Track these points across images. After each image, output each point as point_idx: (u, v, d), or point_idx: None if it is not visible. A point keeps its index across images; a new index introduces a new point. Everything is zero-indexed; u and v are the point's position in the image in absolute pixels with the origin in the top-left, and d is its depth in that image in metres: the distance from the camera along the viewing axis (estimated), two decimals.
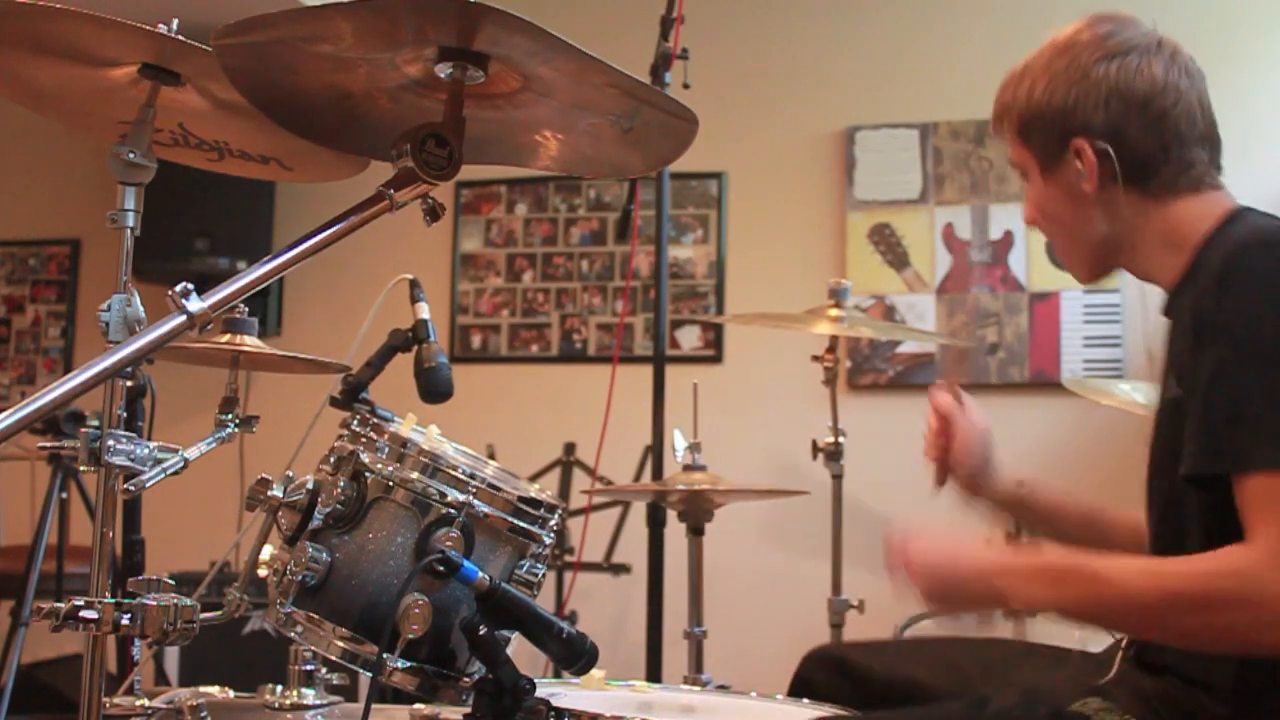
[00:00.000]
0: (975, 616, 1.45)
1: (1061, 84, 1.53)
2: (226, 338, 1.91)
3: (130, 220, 1.62)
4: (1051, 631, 2.15)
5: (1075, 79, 1.52)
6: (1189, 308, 1.39)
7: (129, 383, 1.72)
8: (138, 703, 1.86)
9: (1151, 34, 1.54)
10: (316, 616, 1.56)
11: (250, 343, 1.91)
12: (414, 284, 1.94)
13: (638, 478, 3.81)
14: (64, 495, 3.39)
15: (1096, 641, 1.62)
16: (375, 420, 1.65)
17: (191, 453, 1.69)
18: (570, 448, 4.19)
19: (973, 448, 1.80)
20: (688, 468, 2.50)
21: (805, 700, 1.74)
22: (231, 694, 2.00)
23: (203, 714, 1.79)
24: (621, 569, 4.06)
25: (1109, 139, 1.50)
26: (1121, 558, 1.37)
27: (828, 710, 1.63)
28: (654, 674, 2.95)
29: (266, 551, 1.66)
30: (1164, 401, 1.49)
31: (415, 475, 1.58)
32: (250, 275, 1.31)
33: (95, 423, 1.67)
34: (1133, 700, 1.39)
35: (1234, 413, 1.28)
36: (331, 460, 1.64)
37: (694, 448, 2.49)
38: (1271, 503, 1.24)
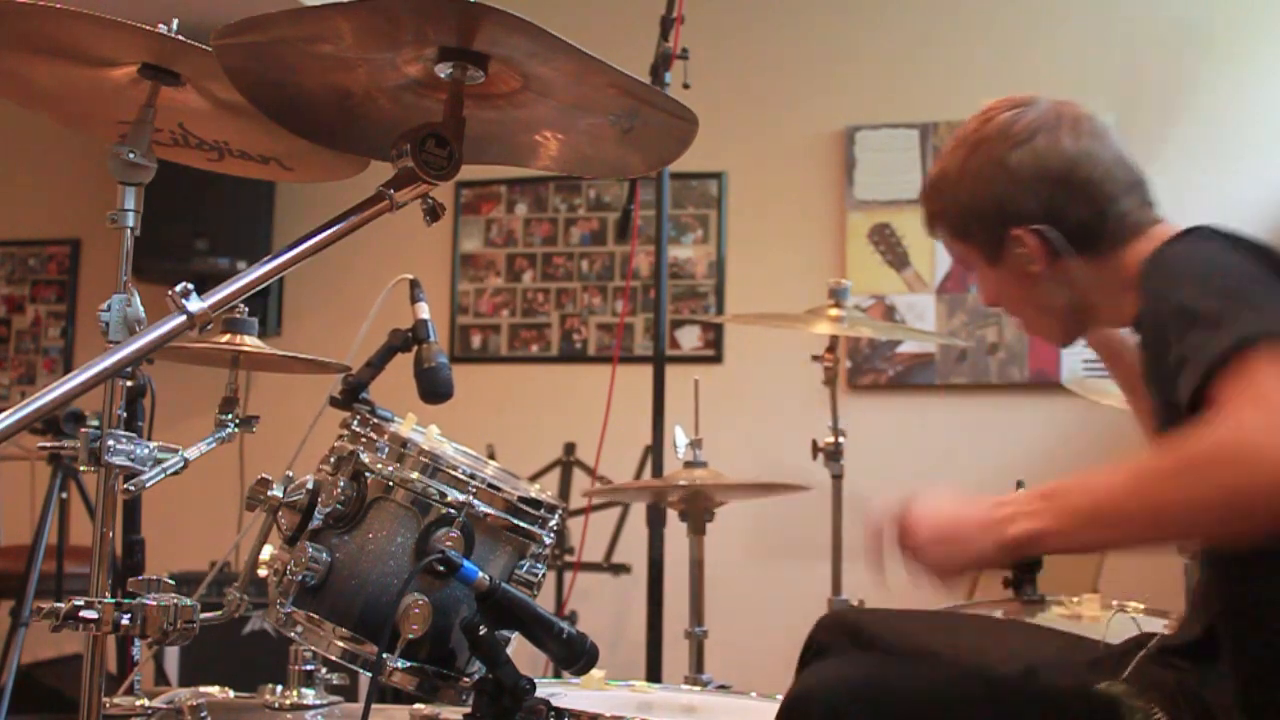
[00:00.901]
0: (977, 567, 1.41)
1: (984, 182, 1.56)
2: (226, 338, 1.91)
3: (130, 220, 1.62)
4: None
5: (995, 174, 1.55)
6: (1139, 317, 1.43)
7: (129, 383, 1.72)
8: (138, 703, 1.86)
9: (1048, 109, 1.59)
10: (316, 616, 1.56)
11: (250, 343, 1.91)
12: (414, 284, 1.93)
13: (638, 478, 3.81)
14: (64, 495, 3.39)
15: (1115, 634, 1.62)
16: (375, 420, 1.65)
17: (191, 453, 1.69)
18: (570, 448, 4.19)
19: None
20: (689, 464, 2.50)
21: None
22: (231, 694, 2.00)
23: (203, 714, 1.79)
24: (621, 569, 4.06)
25: (1045, 219, 1.53)
26: (1094, 469, 1.35)
27: None
28: (654, 674, 2.94)
29: (266, 551, 1.66)
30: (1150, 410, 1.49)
31: (415, 475, 1.58)
32: (250, 275, 1.31)
33: (95, 423, 1.68)
34: (1154, 691, 1.39)
35: (1212, 324, 1.24)
36: (331, 460, 1.64)
37: (695, 444, 2.49)
38: (1242, 375, 1.20)
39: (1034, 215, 1.53)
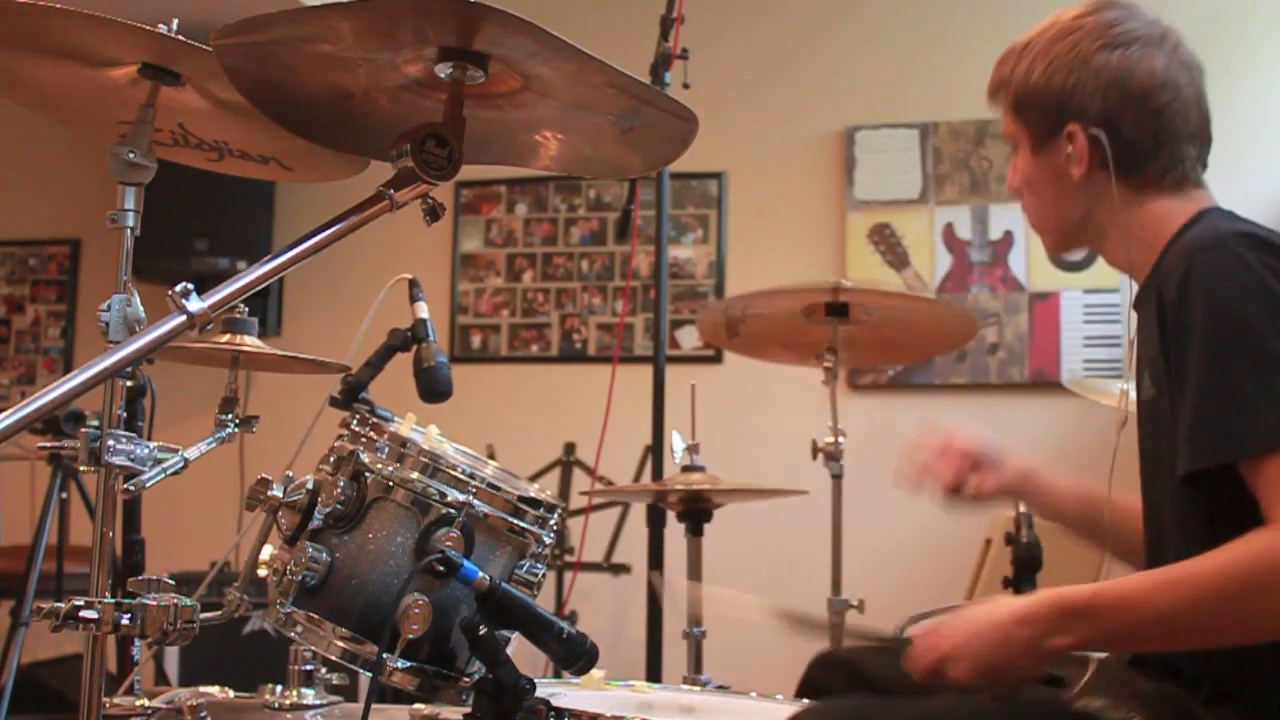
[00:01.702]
0: (1025, 679, 1.39)
1: (1061, 68, 1.53)
2: (226, 338, 1.90)
3: (130, 220, 1.62)
4: None
5: (1075, 65, 1.52)
6: (1155, 306, 1.41)
7: (129, 383, 1.72)
8: (138, 703, 1.86)
9: (1156, 24, 1.54)
10: (316, 616, 1.56)
11: (250, 343, 1.91)
12: (413, 284, 1.94)
13: (638, 478, 3.81)
14: (64, 495, 3.39)
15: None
16: (375, 420, 1.65)
17: (191, 453, 1.69)
18: (570, 448, 4.19)
19: (952, 456, 1.79)
20: (686, 469, 2.50)
21: (806, 700, 1.73)
22: (231, 694, 2.00)
23: (203, 714, 1.79)
24: (621, 569, 4.05)
25: (1103, 127, 1.51)
26: (1139, 576, 1.36)
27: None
28: (654, 674, 2.94)
29: (266, 551, 1.66)
30: (1141, 403, 1.49)
31: (415, 475, 1.58)
32: (250, 275, 1.31)
33: (95, 423, 1.68)
34: (1134, 700, 1.39)
35: (1223, 404, 1.28)
36: (331, 460, 1.64)
37: (692, 449, 2.49)
38: None
39: (1095, 118, 1.51)
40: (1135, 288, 1.58)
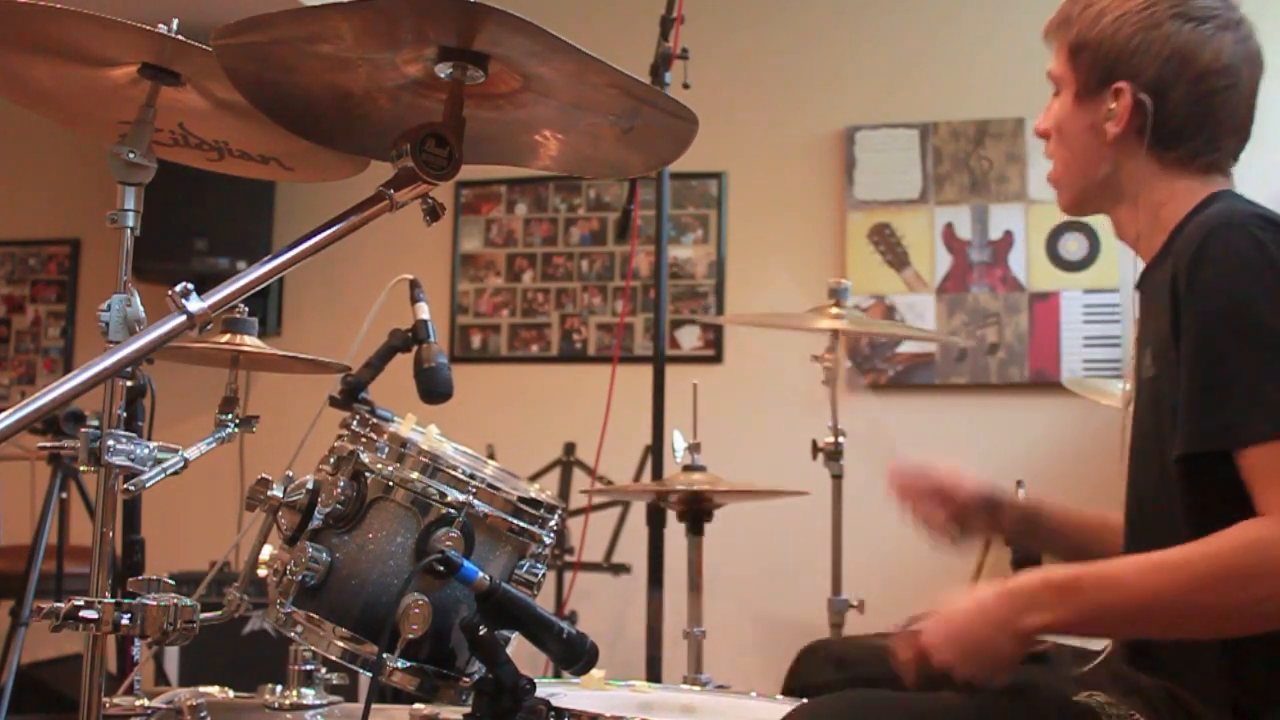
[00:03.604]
0: (1006, 665, 1.38)
1: (1130, 24, 1.50)
2: (226, 338, 1.90)
3: (130, 220, 1.62)
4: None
5: (1145, 25, 1.49)
6: (1164, 286, 1.39)
7: (129, 383, 1.72)
8: (138, 703, 1.86)
9: (1234, 9, 1.52)
10: (316, 616, 1.56)
11: (250, 343, 1.91)
12: (414, 284, 1.94)
13: (638, 478, 3.81)
14: (64, 495, 3.39)
15: (1096, 643, 1.62)
16: (375, 420, 1.65)
17: (191, 453, 1.69)
18: (570, 448, 4.19)
19: (946, 494, 1.79)
20: (687, 468, 2.50)
21: (805, 700, 1.73)
22: (231, 694, 2.00)
23: (203, 714, 1.79)
24: (621, 569, 4.05)
25: (1152, 95, 1.48)
26: (1125, 558, 1.36)
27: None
28: (654, 674, 2.94)
29: (266, 551, 1.66)
30: (1141, 383, 1.49)
31: (415, 475, 1.58)
32: (250, 275, 1.31)
33: (95, 423, 1.67)
34: (1135, 697, 1.39)
35: (1225, 388, 1.28)
36: (331, 460, 1.64)
37: (693, 448, 2.49)
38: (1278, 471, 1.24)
39: (1147, 83, 1.49)
40: (1139, 266, 1.57)
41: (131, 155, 1.59)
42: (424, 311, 1.90)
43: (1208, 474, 1.30)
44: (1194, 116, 1.49)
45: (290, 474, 1.63)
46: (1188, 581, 1.26)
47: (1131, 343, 1.64)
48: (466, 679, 1.59)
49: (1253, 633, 1.28)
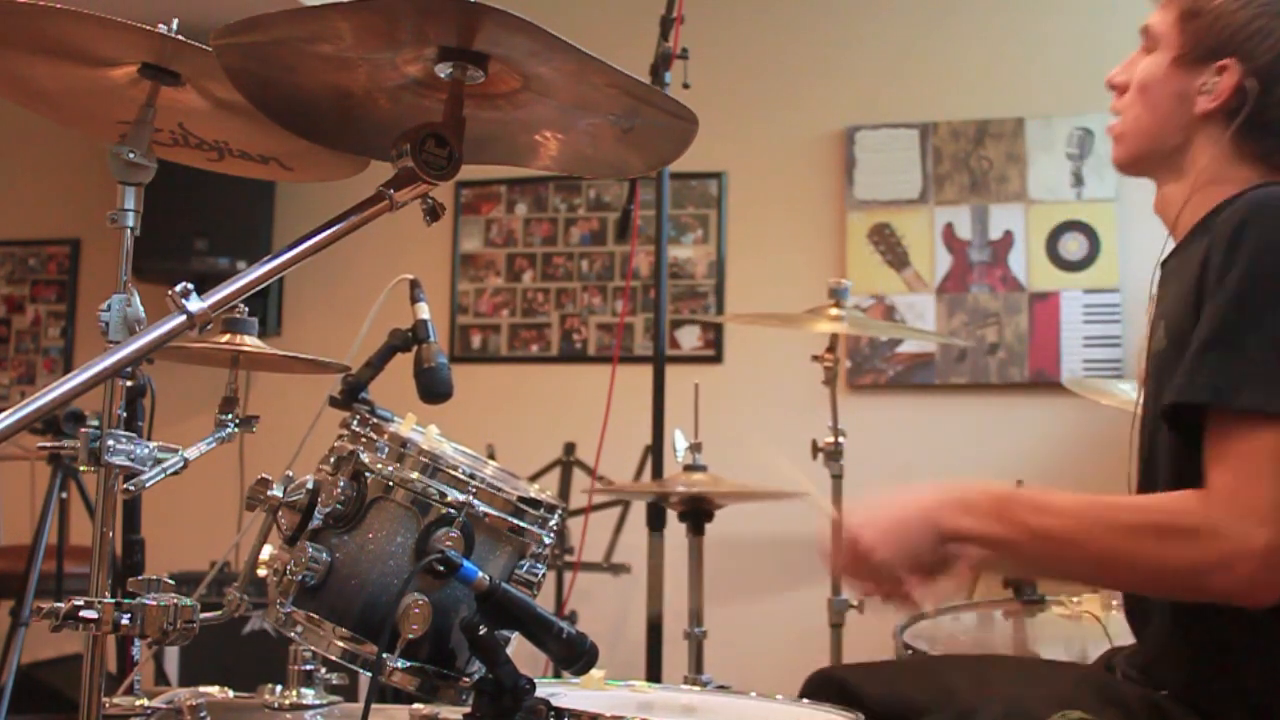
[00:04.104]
0: (928, 563, 1.37)
1: (1255, 6, 1.47)
2: (226, 338, 1.90)
3: (130, 220, 1.62)
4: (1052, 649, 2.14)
5: (1270, 11, 1.46)
6: (1193, 261, 1.38)
7: (129, 383, 1.72)
8: (138, 703, 1.86)
9: None
10: (316, 616, 1.56)
11: (250, 343, 1.91)
12: (414, 284, 1.93)
13: (638, 478, 3.81)
14: (64, 495, 3.39)
15: (1096, 645, 1.62)
16: (375, 420, 1.65)
17: (191, 453, 1.68)
18: (570, 448, 4.19)
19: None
20: (688, 468, 2.50)
21: (805, 700, 1.74)
22: (231, 694, 2.00)
23: (203, 714, 1.79)
24: (621, 569, 4.06)
25: (1260, 82, 1.46)
26: (1066, 493, 1.36)
27: (829, 711, 1.63)
28: (654, 674, 2.94)
29: (266, 551, 1.66)
30: (1150, 356, 1.48)
31: (415, 475, 1.58)
32: (250, 275, 1.31)
33: (95, 423, 1.67)
34: (1116, 711, 1.39)
35: (1227, 351, 1.28)
36: (331, 460, 1.64)
37: (695, 448, 2.49)
38: (1243, 448, 1.24)
39: (1257, 69, 1.45)
40: (1144, 270, 1.56)
41: (131, 155, 1.59)
42: (424, 311, 1.90)
43: (1188, 436, 1.30)
44: None
45: (290, 474, 1.63)
46: (1113, 525, 1.27)
47: (1131, 343, 1.64)
48: (466, 679, 1.58)
49: (1162, 597, 1.31)
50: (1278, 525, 1.21)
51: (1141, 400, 1.52)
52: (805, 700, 1.74)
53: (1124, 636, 1.59)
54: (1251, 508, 1.22)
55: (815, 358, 2.96)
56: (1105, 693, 1.43)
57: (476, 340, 4.68)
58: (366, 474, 1.58)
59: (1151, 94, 1.54)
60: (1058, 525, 1.31)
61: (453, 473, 1.58)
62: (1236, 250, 1.31)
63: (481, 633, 1.45)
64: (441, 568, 1.48)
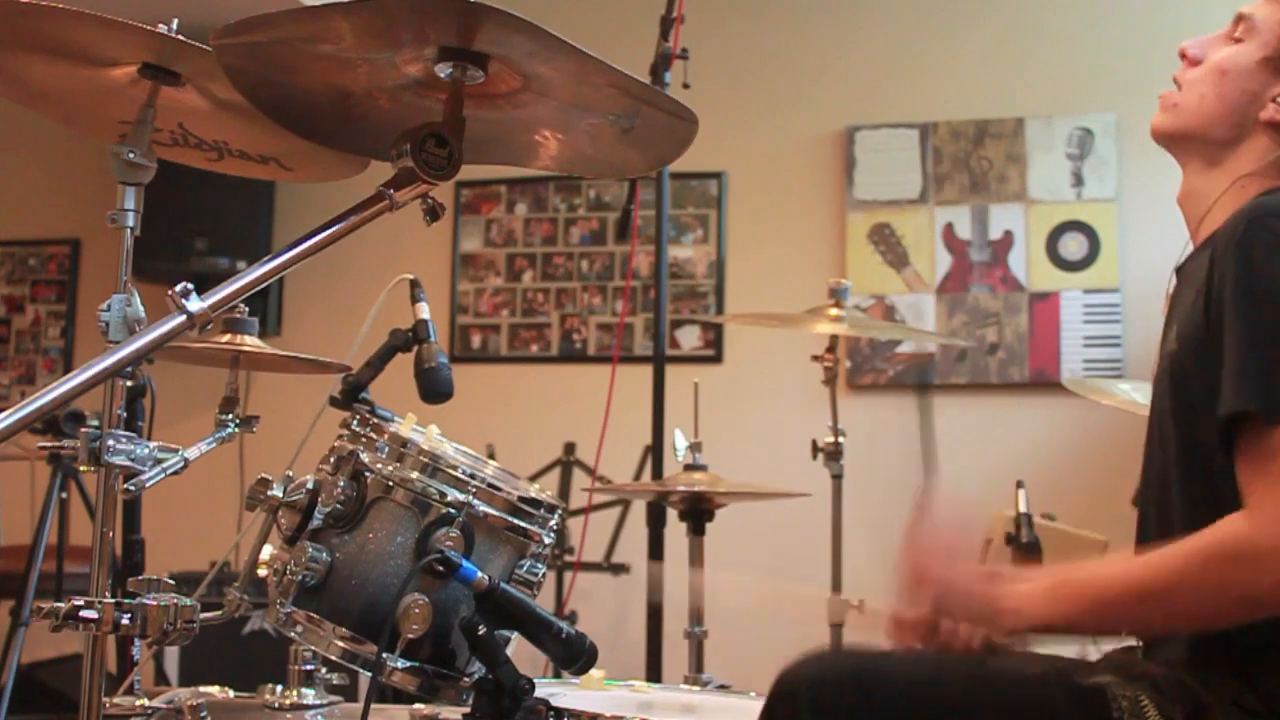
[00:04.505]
0: (970, 631, 1.40)
1: None
2: (226, 338, 1.90)
3: (130, 220, 1.62)
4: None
5: None
6: (1202, 268, 1.38)
7: (129, 383, 1.72)
8: (138, 703, 1.86)
9: None
10: (316, 616, 1.56)
11: (250, 343, 1.91)
12: (414, 284, 1.93)
13: (638, 478, 3.81)
14: (64, 495, 3.38)
15: (1096, 646, 1.62)
16: (375, 420, 1.65)
17: (191, 453, 1.69)
18: (570, 448, 4.19)
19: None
20: (689, 467, 2.50)
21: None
22: (231, 694, 2.00)
23: (203, 714, 1.79)
24: (621, 569, 4.06)
25: None
26: (1111, 557, 1.38)
27: None
28: (654, 674, 2.94)
29: (266, 551, 1.66)
30: (1162, 358, 1.48)
31: (415, 475, 1.58)
32: (250, 275, 1.31)
33: (95, 423, 1.67)
34: (1143, 680, 1.39)
35: (1260, 364, 1.27)
36: (331, 460, 1.64)
37: (695, 447, 2.49)
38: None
39: None
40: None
41: (131, 155, 1.59)
42: (425, 312, 1.90)
43: (1219, 454, 1.30)
44: None
45: (290, 474, 1.64)
46: (1162, 576, 1.28)
47: (1131, 343, 1.64)
48: (466, 679, 1.59)
49: (1234, 624, 1.30)
50: None
51: (1150, 414, 1.52)
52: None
53: (1122, 638, 1.59)
54: None
55: (815, 358, 2.96)
56: (1130, 669, 1.43)
57: (476, 340, 4.68)
58: (366, 474, 1.59)
59: (1228, 80, 1.51)
60: (1111, 594, 1.32)
61: (453, 473, 1.59)
62: (1244, 264, 1.31)
63: (481, 633, 1.46)
64: (441, 568, 1.48)
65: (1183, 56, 1.57)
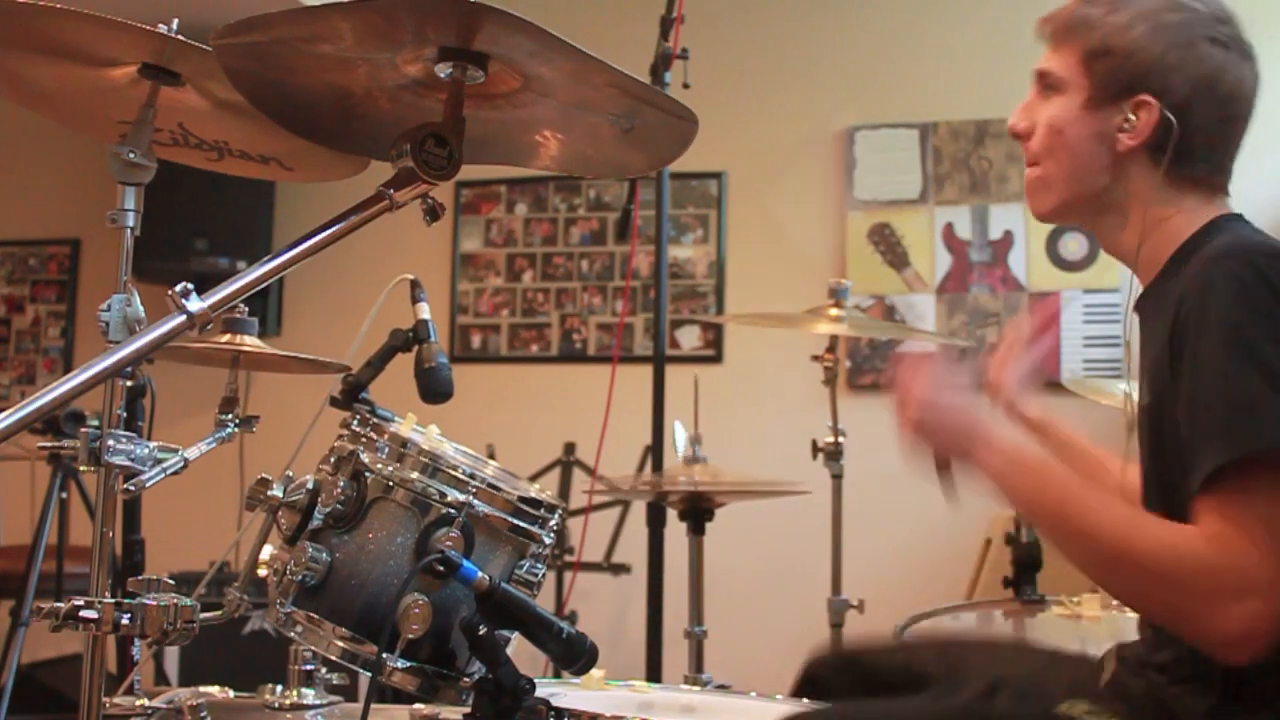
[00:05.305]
0: (937, 465, 1.46)
1: (1164, 39, 1.45)
2: (226, 338, 1.90)
3: (130, 220, 1.62)
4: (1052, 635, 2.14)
5: (1181, 43, 1.45)
6: (1167, 312, 1.38)
7: (129, 383, 1.72)
8: (138, 703, 1.86)
9: (1245, 37, 1.51)
10: (316, 616, 1.56)
11: (250, 343, 1.91)
12: (414, 284, 1.93)
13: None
14: (64, 495, 3.39)
15: (1096, 645, 1.62)
16: (375, 420, 1.65)
17: (191, 453, 1.68)
18: (570, 448, 4.19)
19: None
20: (689, 460, 2.50)
21: (805, 700, 1.73)
22: (231, 694, 2.00)
23: (203, 714, 1.79)
24: (621, 569, 4.06)
25: (1178, 114, 1.45)
26: (1104, 491, 1.37)
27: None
28: (654, 674, 2.94)
29: (266, 551, 1.66)
30: (1140, 409, 1.49)
31: (415, 475, 1.58)
32: (250, 275, 1.31)
33: (95, 423, 1.67)
34: (1119, 702, 1.39)
35: (1233, 405, 1.26)
36: (331, 460, 1.64)
37: (695, 440, 2.49)
38: (1242, 496, 1.23)
39: (1174, 102, 1.44)
40: (1136, 285, 1.57)
41: (131, 155, 1.59)
42: (425, 312, 1.90)
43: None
44: (1211, 140, 1.47)
45: (290, 474, 1.64)
46: (1121, 545, 1.28)
47: (1126, 351, 1.64)
48: (466, 679, 1.59)
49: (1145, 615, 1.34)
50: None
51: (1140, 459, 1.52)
52: (806, 700, 1.74)
53: (1122, 638, 1.59)
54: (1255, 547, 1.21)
55: (815, 358, 2.96)
56: (1112, 686, 1.43)
57: (476, 340, 4.68)
58: (366, 474, 1.59)
59: (1068, 140, 1.52)
60: (1075, 516, 1.33)
61: (453, 473, 1.59)
62: (1208, 310, 1.31)
63: (481, 633, 1.45)
64: (441, 568, 1.48)
65: (1015, 134, 1.58)
